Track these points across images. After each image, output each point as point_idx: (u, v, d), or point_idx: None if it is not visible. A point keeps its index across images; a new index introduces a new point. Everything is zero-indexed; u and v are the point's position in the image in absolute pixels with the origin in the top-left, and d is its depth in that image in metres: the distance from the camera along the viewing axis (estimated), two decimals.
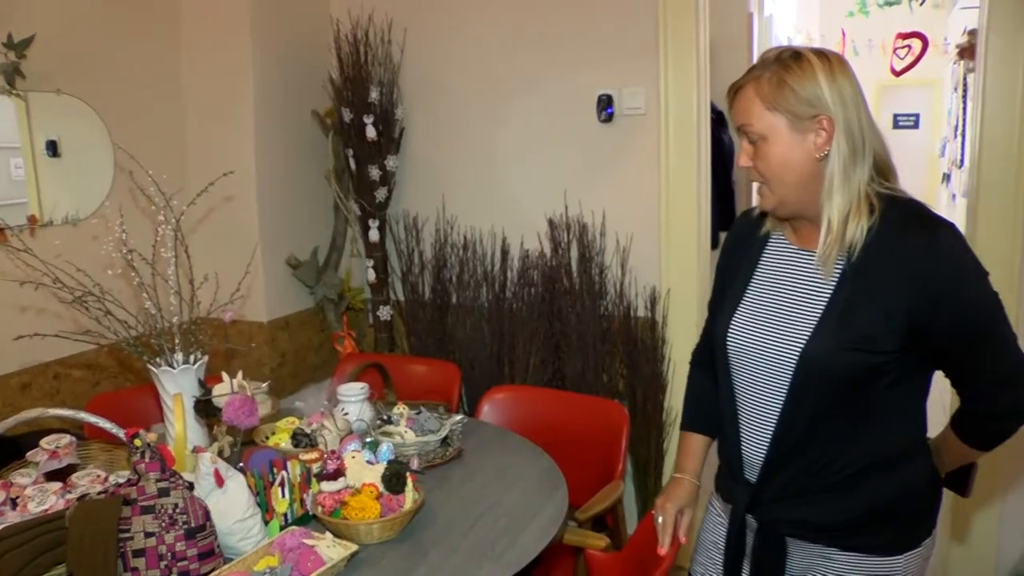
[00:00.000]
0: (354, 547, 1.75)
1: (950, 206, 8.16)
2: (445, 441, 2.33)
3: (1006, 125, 2.55)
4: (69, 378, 2.89)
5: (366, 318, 3.62)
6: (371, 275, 3.45)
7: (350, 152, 3.35)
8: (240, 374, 2.13)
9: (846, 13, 6.33)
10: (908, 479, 1.52)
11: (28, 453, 2.06)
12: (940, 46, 7.82)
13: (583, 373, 3.06)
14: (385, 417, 2.37)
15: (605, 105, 3.04)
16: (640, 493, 3.10)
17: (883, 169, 1.49)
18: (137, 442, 1.71)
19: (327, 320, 3.55)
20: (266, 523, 1.89)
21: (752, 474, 1.59)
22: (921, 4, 4.79)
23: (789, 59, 1.45)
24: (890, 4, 5.05)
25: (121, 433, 1.90)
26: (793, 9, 6.39)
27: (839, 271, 1.48)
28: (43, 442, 2.09)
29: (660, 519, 1.76)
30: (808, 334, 1.48)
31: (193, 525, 1.67)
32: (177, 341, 2.22)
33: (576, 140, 3.14)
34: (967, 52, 4.83)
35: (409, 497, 1.89)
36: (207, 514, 1.70)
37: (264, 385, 2.50)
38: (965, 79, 6.69)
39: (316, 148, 3.50)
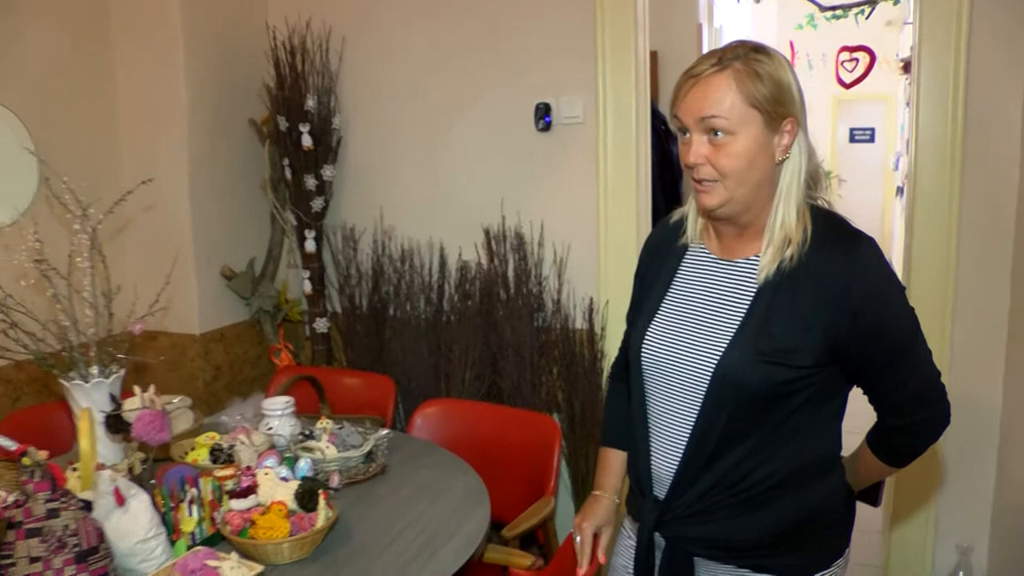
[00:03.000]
0: (259, 568, 1.68)
1: (901, 219, 8.23)
2: (369, 456, 2.27)
3: (938, 138, 2.55)
4: None
5: (304, 330, 3.55)
6: (307, 286, 3.38)
7: (286, 161, 3.28)
8: (152, 388, 2.05)
9: (795, 26, 6.36)
10: (820, 498, 1.48)
11: None
12: (893, 62, 7.90)
13: (520, 387, 3.01)
14: (307, 432, 2.31)
15: (543, 114, 3.00)
16: (579, 508, 3.05)
17: (814, 178, 1.46)
18: (25, 460, 1.63)
19: (264, 332, 3.47)
20: (173, 543, 1.82)
21: (661, 490, 1.54)
22: (867, 18, 4.81)
23: (760, 54, 1.39)
24: (837, 18, 5.06)
25: (15, 448, 1.82)
26: (747, 21, 6.41)
27: (757, 282, 1.44)
28: None
29: (578, 539, 1.71)
30: (724, 346, 1.43)
31: (84, 548, 1.59)
32: (92, 354, 2.15)
33: (514, 149, 3.10)
34: (910, 67, 4.86)
35: (322, 515, 1.83)
36: (101, 535, 1.63)
37: (177, 400, 2.43)
38: None
39: (252, 157, 3.43)
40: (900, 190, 8.50)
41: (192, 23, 3.14)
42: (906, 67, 5.07)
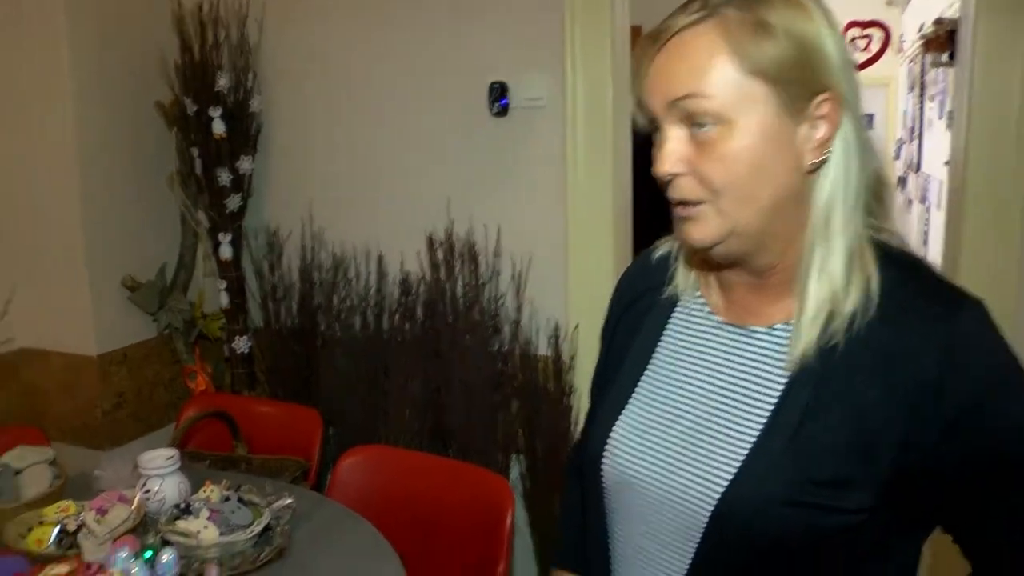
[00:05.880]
0: None
1: (905, 212, 7.75)
2: (266, 533, 1.75)
3: (999, 124, 2.03)
4: None
5: (224, 349, 3.02)
6: (225, 299, 2.85)
7: (196, 152, 2.74)
8: None
9: None
10: None
11: None
12: (895, 44, 7.40)
13: (470, 426, 2.48)
14: (183, 505, 1.78)
15: (498, 95, 2.46)
16: (543, 572, 2.54)
17: (877, 194, 0.92)
18: None
19: (177, 352, 2.94)
20: None
21: None
22: None
23: None
24: None
25: None
26: None
27: (788, 369, 0.91)
28: None
29: None
30: (733, 470, 0.90)
31: None
32: None
33: (463, 139, 2.56)
34: (935, 43, 4.33)
35: None
36: None
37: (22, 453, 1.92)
38: (923, 78, 6.23)
39: (160, 147, 2.87)
40: (902, 181, 8.00)
41: None
42: (928, 44, 4.54)
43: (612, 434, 1.02)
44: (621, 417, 1.03)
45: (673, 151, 0.88)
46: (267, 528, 1.75)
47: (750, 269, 0.94)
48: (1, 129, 2.69)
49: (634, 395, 1.03)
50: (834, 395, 0.87)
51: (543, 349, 2.51)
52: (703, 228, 0.89)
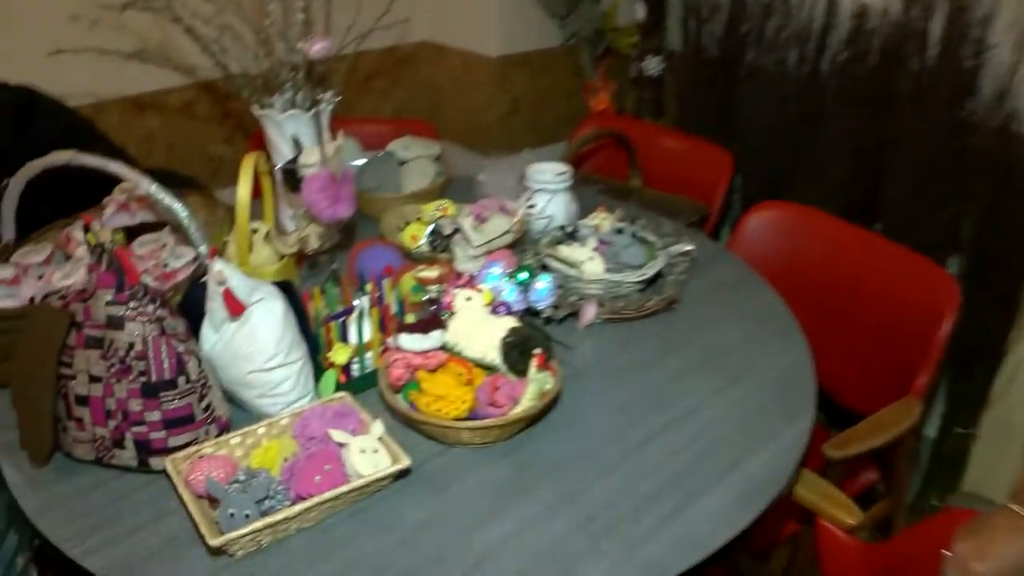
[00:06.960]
0: (404, 463, 1.04)
1: None
2: (657, 279, 1.51)
3: None
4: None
5: (631, 69, 2.74)
6: (641, 12, 2.53)
7: None
8: (341, 135, 1.39)
9: None
10: None
11: (105, 199, 1.55)
12: None
13: (910, 201, 2.02)
14: (569, 229, 1.57)
15: None
16: (956, 402, 2.11)
17: None
18: (90, 236, 1.08)
19: (581, 64, 2.72)
20: (322, 374, 1.22)
21: None
22: None
23: None
24: None
25: (155, 191, 1.26)
26: None
27: None
28: (117, 189, 1.55)
29: None
30: None
31: (154, 380, 1.04)
32: (299, 75, 1.53)
33: None
34: None
35: (531, 389, 1.13)
36: (179, 367, 1.06)
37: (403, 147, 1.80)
38: None
39: None
40: None
41: None
42: None
43: None
44: None
45: None
46: (659, 274, 1.51)
47: None
48: None
49: None
50: None
51: None
52: None
